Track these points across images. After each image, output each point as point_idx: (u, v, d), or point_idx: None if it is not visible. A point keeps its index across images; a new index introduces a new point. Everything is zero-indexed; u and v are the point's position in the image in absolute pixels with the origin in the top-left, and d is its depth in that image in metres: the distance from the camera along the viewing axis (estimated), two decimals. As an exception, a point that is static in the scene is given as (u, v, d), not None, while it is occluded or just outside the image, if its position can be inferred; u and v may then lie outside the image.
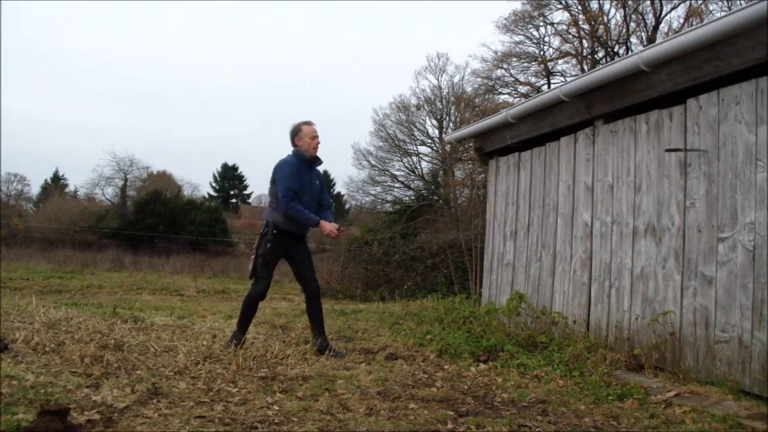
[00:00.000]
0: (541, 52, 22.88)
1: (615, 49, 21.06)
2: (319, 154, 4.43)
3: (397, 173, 26.88)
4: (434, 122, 26.77)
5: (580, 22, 21.32)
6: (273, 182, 4.35)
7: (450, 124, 25.83)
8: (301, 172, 4.32)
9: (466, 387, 3.54)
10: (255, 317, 6.22)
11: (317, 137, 4.42)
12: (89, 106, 69.91)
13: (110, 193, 35.18)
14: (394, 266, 10.74)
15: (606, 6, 21.04)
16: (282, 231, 4.28)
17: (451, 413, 2.94)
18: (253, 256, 4.35)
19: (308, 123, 4.45)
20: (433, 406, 3.06)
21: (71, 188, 42.40)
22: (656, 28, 20.41)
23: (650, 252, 4.16)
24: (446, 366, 4.09)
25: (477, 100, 23.94)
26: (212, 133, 74.37)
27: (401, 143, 26.53)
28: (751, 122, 3.47)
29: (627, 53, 19.45)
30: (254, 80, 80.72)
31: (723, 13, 5.65)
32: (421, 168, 27.14)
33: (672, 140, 4.06)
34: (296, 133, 4.40)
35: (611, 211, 4.57)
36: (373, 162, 26.86)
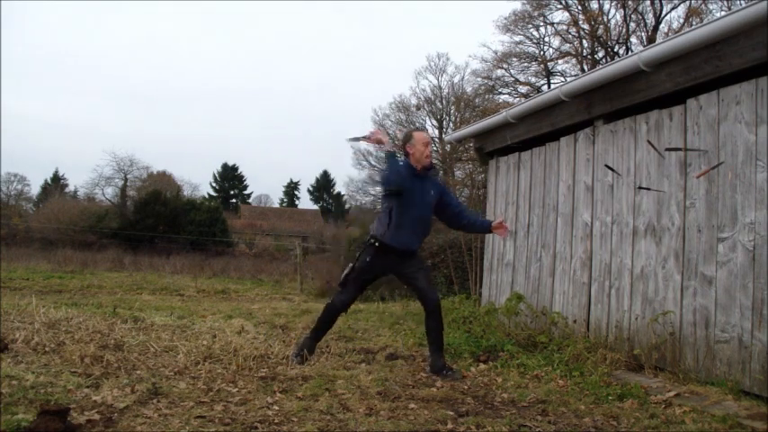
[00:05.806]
0: (541, 52, 22.92)
1: (615, 49, 21.08)
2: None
3: (397, 173, 26.90)
4: (434, 122, 26.84)
5: (580, 22, 21.36)
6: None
7: (451, 124, 25.88)
8: (410, 180, 3.93)
9: (466, 387, 3.54)
10: (255, 317, 6.26)
11: (430, 143, 4.09)
12: (89, 106, 70.08)
13: (110, 193, 35.23)
14: (394, 266, 10.71)
15: (606, 6, 21.09)
16: (385, 246, 3.92)
17: (451, 413, 2.94)
18: (350, 264, 4.08)
19: (420, 130, 4.16)
20: (433, 406, 3.06)
21: (71, 188, 42.56)
22: (656, 28, 20.44)
23: (650, 252, 4.16)
24: (446, 366, 4.09)
25: (477, 100, 24.00)
26: (212, 133, 74.47)
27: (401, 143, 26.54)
28: (751, 122, 3.48)
29: (627, 53, 19.45)
30: (254, 80, 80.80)
31: (723, 13, 5.65)
32: (421, 168, 27.15)
33: (672, 140, 4.06)
34: (407, 140, 4.06)
35: (611, 211, 4.57)
36: (373, 162, 26.93)
